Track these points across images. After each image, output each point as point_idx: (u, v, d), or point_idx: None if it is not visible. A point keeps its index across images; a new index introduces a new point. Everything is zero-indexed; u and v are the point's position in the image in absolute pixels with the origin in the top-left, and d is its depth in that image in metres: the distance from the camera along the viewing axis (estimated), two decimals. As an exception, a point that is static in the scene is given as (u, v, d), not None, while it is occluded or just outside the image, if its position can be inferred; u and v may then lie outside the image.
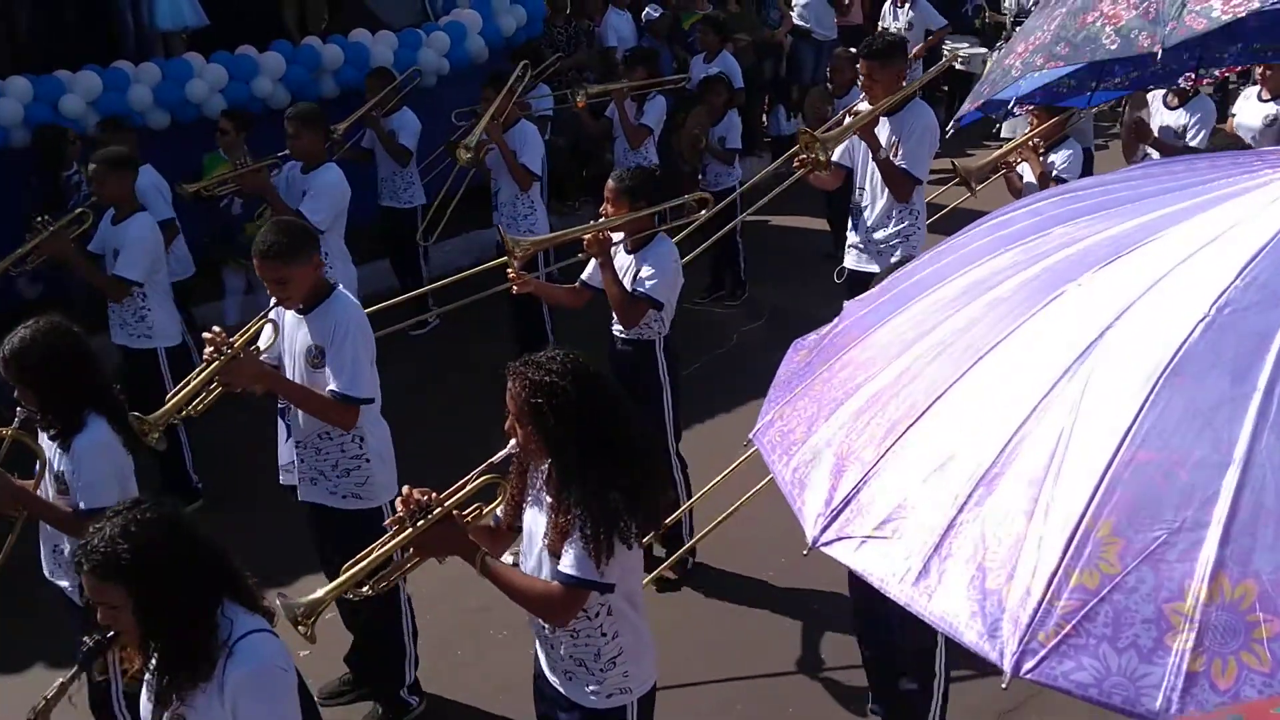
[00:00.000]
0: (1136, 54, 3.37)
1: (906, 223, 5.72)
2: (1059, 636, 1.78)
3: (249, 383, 4.06)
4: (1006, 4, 12.93)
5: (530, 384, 2.99)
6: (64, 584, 3.94)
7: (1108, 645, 1.75)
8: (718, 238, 6.51)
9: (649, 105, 8.36)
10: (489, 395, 3.97)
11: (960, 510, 1.98)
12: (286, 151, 6.32)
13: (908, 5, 11.56)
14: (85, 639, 2.82)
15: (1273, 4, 3.02)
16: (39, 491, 3.83)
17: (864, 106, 5.72)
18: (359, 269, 6.50)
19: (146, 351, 5.89)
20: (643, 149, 8.33)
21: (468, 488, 3.12)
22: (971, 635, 1.86)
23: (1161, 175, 2.52)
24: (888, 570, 2.03)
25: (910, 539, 2.02)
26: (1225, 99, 8.78)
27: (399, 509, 3.07)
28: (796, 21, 11.65)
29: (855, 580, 4.06)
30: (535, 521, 3.17)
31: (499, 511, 3.30)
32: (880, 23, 11.82)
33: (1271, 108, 7.01)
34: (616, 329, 5.19)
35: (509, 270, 5.12)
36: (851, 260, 5.91)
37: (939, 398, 2.16)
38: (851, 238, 5.93)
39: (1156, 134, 7.07)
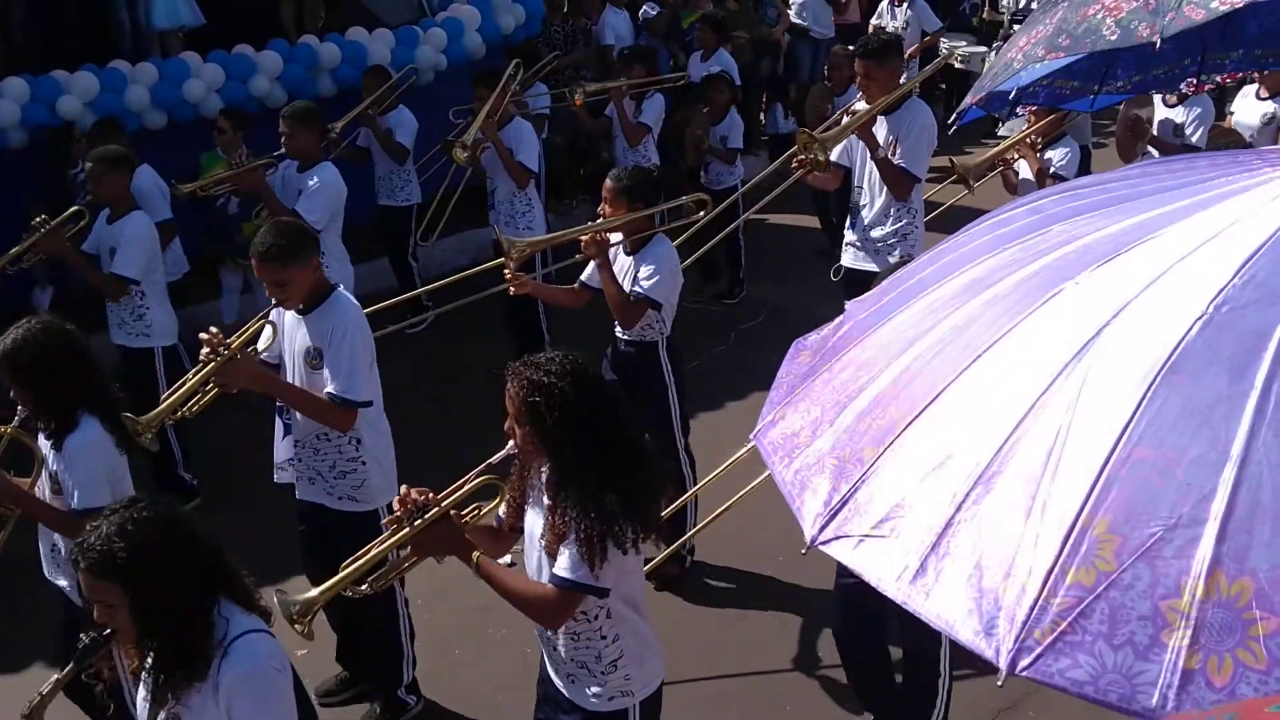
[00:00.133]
0: (1136, 44, 3.38)
1: (904, 221, 5.72)
2: (1055, 634, 1.78)
3: (245, 384, 4.05)
4: (1005, 1, 12.92)
5: (528, 384, 3.00)
6: (63, 583, 3.94)
7: (1104, 642, 1.75)
8: (722, 237, 6.51)
9: (647, 103, 8.36)
10: (485, 396, 3.98)
11: (958, 509, 1.98)
12: (282, 151, 6.32)
13: (905, 4, 11.57)
14: (82, 635, 2.83)
15: None
16: (35, 490, 3.83)
17: (862, 106, 5.72)
18: (356, 268, 6.50)
19: (144, 350, 5.88)
20: (642, 147, 8.33)
21: (465, 488, 3.14)
22: (967, 633, 1.86)
23: (1161, 174, 2.52)
24: (885, 569, 2.03)
25: (908, 538, 2.02)
26: (1223, 96, 8.77)
27: (396, 509, 3.09)
28: (794, 20, 11.66)
29: (841, 583, 4.08)
30: (535, 523, 3.17)
31: (501, 512, 3.30)
32: (876, 20, 11.83)
33: (1269, 106, 7.03)
34: (619, 330, 5.20)
35: (506, 271, 5.11)
36: (849, 258, 5.91)
37: (938, 396, 2.16)
38: (849, 236, 5.93)
39: (1155, 131, 7.07)
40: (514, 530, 3.32)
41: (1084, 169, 6.91)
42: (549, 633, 3.19)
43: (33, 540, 4.01)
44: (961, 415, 2.11)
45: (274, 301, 4.13)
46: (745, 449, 4.09)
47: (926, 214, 5.96)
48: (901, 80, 5.77)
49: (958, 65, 11.50)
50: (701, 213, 5.50)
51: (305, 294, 4.10)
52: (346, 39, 8.96)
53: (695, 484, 5.28)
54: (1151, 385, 1.91)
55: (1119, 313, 2.04)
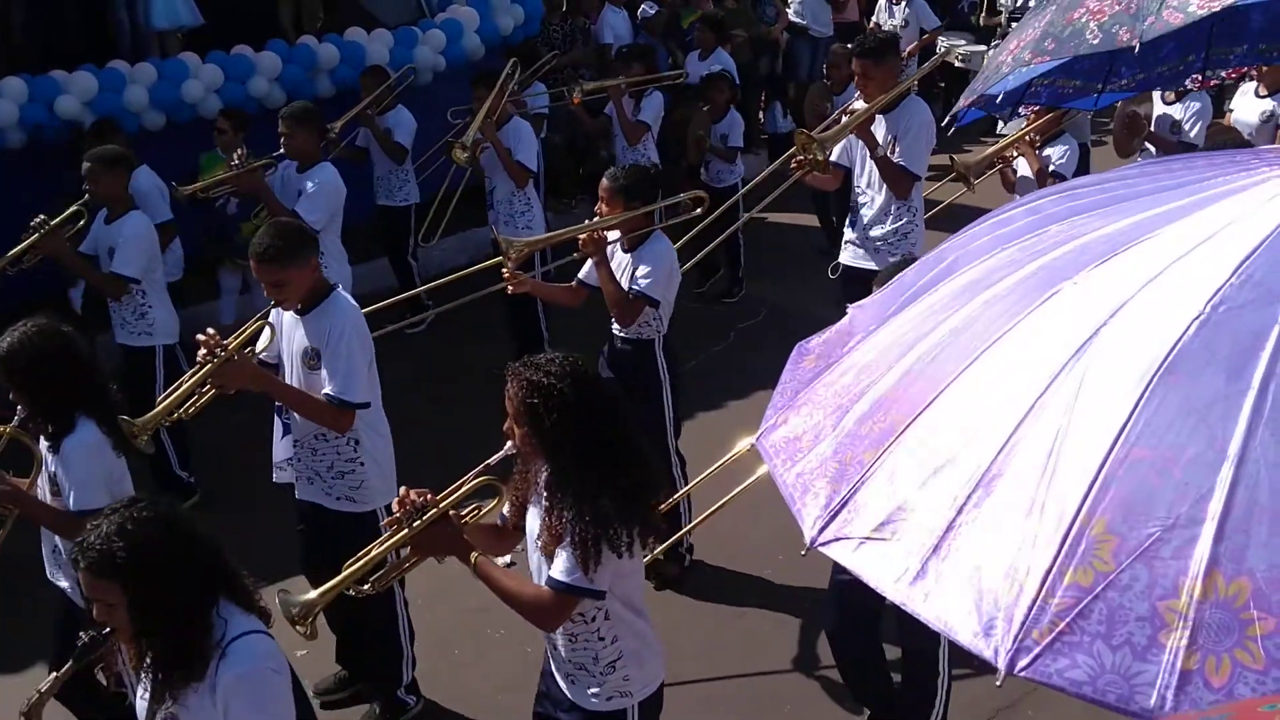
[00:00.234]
0: (1116, 48, 3.41)
1: (904, 220, 5.72)
2: (1053, 634, 1.78)
3: (242, 385, 4.04)
4: (1003, 0, 12.91)
5: (527, 385, 3.00)
6: (64, 584, 3.94)
7: (1102, 643, 1.75)
8: (724, 238, 6.50)
9: (646, 102, 8.35)
10: (484, 396, 3.98)
11: (959, 513, 1.98)
12: (282, 151, 6.31)
13: (903, 2, 11.57)
14: (81, 634, 2.84)
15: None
16: (34, 491, 3.83)
17: (860, 105, 5.72)
18: (355, 268, 6.50)
19: (146, 349, 5.89)
20: (641, 145, 8.33)
21: (464, 489, 3.15)
22: (966, 634, 1.86)
23: (1159, 173, 2.52)
24: (885, 571, 2.03)
25: (909, 540, 2.02)
26: (1221, 93, 8.77)
27: (395, 509, 3.10)
28: (793, 18, 11.65)
29: (836, 579, 4.08)
30: (535, 523, 3.17)
31: (505, 510, 3.31)
32: (874, 18, 11.82)
33: (1268, 104, 7.02)
34: (615, 328, 5.20)
35: (504, 270, 5.11)
36: (849, 257, 5.91)
37: (937, 399, 2.16)
38: (849, 235, 5.93)
39: (1153, 127, 7.07)
40: (517, 529, 3.32)
41: (1083, 166, 6.92)
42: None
43: (33, 541, 4.02)
44: (961, 417, 2.11)
45: (272, 302, 4.13)
46: (741, 447, 4.10)
47: (926, 212, 5.96)
48: (900, 79, 5.78)
49: (958, 64, 11.49)
50: (699, 210, 5.50)
51: (303, 295, 4.09)
52: (345, 40, 8.95)
53: (685, 484, 5.28)
54: (1149, 385, 1.91)
55: (1116, 312, 2.04)
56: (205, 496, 6.09)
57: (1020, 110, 5.47)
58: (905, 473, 2.11)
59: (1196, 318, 1.94)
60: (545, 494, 3.07)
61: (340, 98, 8.55)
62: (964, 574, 1.92)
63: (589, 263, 5.11)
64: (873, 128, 5.55)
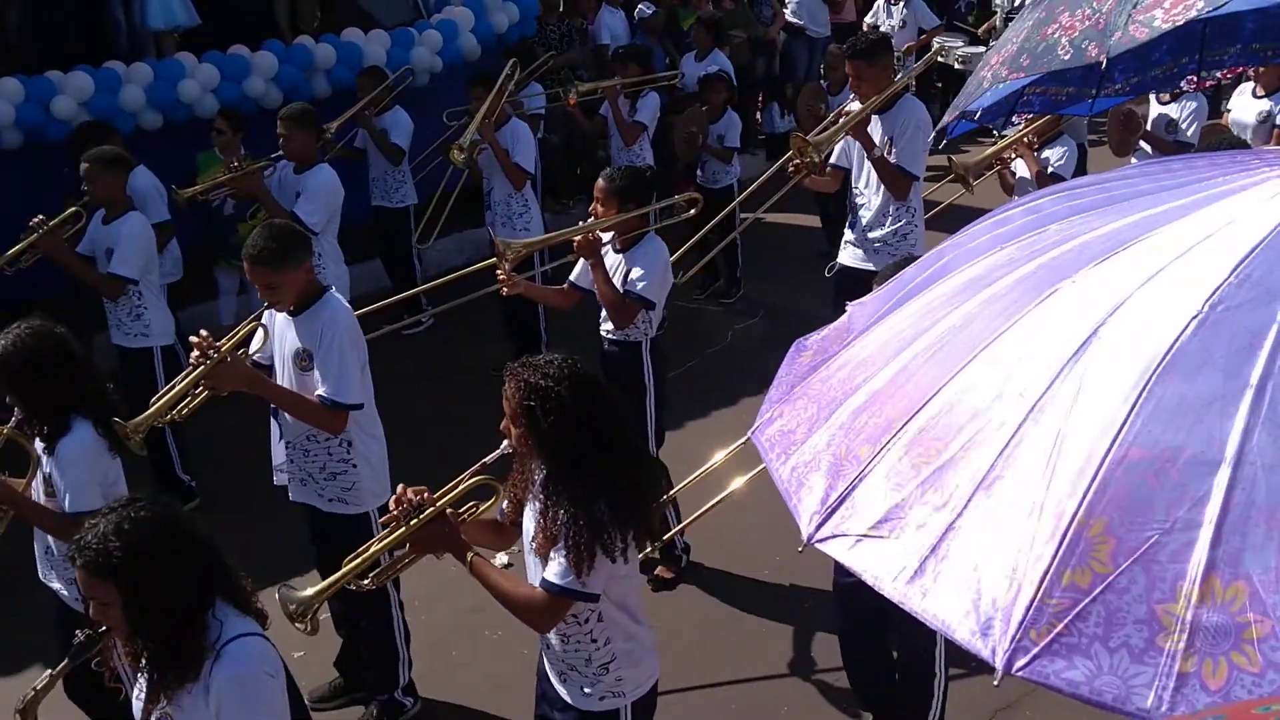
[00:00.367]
0: (1085, 64, 3.42)
1: (903, 221, 5.71)
2: (1051, 635, 1.78)
3: (235, 386, 4.03)
4: (998, 0, 12.90)
5: (525, 386, 3.00)
6: (56, 586, 3.94)
7: (1099, 644, 1.75)
8: (725, 244, 6.50)
9: (642, 102, 8.35)
10: (482, 396, 3.98)
11: (959, 514, 1.98)
12: (280, 153, 6.30)
13: (901, 2, 11.56)
14: (77, 632, 2.83)
15: (1213, 11, 3.07)
16: (29, 492, 3.83)
17: (855, 106, 5.72)
18: (352, 269, 6.49)
19: (142, 351, 5.87)
20: (637, 146, 8.33)
21: (461, 487, 3.16)
22: (964, 633, 1.86)
23: (1159, 173, 2.51)
24: (882, 568, 2.02)
25: (908, 539, 2.02)
26: (1218, 92, 8.78)
27: (392, 508, 3.10)
28: (790, 18, 11.65)
29: (840, 582, 4.08)
30: (531, 522, 3.17)
31: (504, 506, 3.31)
32: (872, 18, 11.82)
33: (1265, 104, 7.02)
34: (605, 329, 5.17)
35: (499, 272, 5.10)
36: (847, 257, 5.90)
37: (935, 396, 2.15)
38: (848, 236, 5.92)
39: (1149, 127, 7.07)
40: (516, 525, 3.32)
41: (1081, 167, 6.91)
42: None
43: (31, 541, 4.01)
44: (959, 416, 2.11)
45: (266, 304, 4.12)
46: (731, 448, 4.10)
47: (926, 213, 5.95)
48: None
49: (957, 65, 11.47)
50: (692, 210, 5.48)
51: (296, 296, 4.09)
52: (342, 40, 8.95)
53: (668, 491, 5.26)
54: (1147, 384, 1.90)
55: (1115, 311, 2.03)
56: (204, 498, 6.08)
57: (1014, 119, 5.46)
58: (903, 471, 2.10)
59: (1195, 317, 1.94)
60: (541, 495, 3.06)
61: (337, 98, 8.54)
62: (962, 573, 1.92)
63: (580, 264, 5.09)
64: (869, 128, 5.54)
